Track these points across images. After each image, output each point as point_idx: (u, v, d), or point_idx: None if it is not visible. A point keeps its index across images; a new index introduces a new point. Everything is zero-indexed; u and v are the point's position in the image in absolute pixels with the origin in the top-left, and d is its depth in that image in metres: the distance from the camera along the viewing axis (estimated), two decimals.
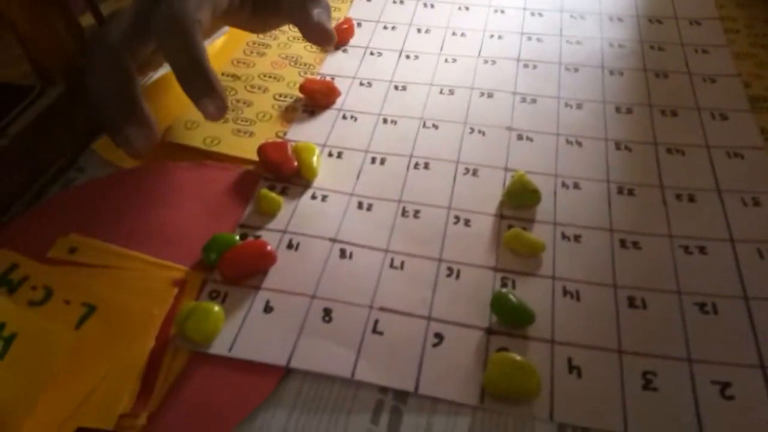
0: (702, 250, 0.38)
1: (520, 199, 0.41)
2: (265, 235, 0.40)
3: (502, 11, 0.59)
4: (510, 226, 0.39)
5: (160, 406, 0.32)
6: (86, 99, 0.41)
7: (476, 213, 0.40)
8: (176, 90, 0.40)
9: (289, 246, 0.39)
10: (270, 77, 0.52)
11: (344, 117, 0.48)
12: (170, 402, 0.32)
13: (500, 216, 0.40)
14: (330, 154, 0.45)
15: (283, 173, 0.43)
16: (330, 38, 0.47)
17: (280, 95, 0.50)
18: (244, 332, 0.35)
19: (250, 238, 0.39)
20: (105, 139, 0.46)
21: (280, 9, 0.47)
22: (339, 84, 0.50)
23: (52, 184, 0.44)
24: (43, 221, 0.41)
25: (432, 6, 0.60)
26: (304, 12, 0.46)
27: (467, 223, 0.40)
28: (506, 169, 0.43)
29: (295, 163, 0.43)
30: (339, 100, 0.50)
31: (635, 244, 0.38)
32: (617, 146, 0.45)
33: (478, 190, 0.42)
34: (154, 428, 0.31)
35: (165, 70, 0.52)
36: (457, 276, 0.37)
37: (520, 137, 0.46)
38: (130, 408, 0.31)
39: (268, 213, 0.41)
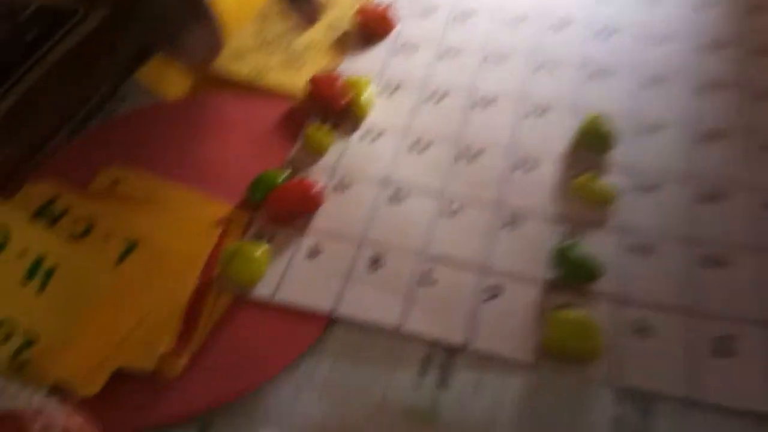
0: None
1: (591, 144, 0.38)
2: (314, 175, 0.38)
3: None
4: (579, 173, 0.37)
5: (201, 349, 0.32)
6: (131, 24, 0.40)
7: (542, 157, 0.38)
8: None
9: (338, 187, 0.38)
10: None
11: (400, 49, 0.46)
12: (212, 344, 0.32)
13: (568, 161, 0.38)
14: (384, 90, 0.43)
15: (334, 109, 0.41)
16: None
17: (333, 24, 0.48)
18: (289, 276, 0.34)
19: (298, 177, 0.38)
20: (148, 68, 0.45)
21: None
22: (396, 11, 0.48)
23: (94, 115, 0.44)
24: (85, 152, 0.41)
25: None
26: None
27: (531, 167, 0.38)
28: (577, 110, 0.41)
29: (347, 99, 0.41)
30: (395, 30, 0.47)
31: (716, 197, 0.36)
32: (701, 87, 0.41)
33: (545, 132, 0.40)
34: (195, 370, 0.31)
35: None
36: (518, 225, 0.35)
37: (594, 75, 0.43)
38: (171, 349, 0.31)
39: (317, 151, 0.39)
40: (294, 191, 0.36)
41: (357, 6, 0.48)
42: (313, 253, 0.35)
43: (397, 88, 0.43)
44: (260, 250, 0.34)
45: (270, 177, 0.37)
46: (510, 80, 0.43)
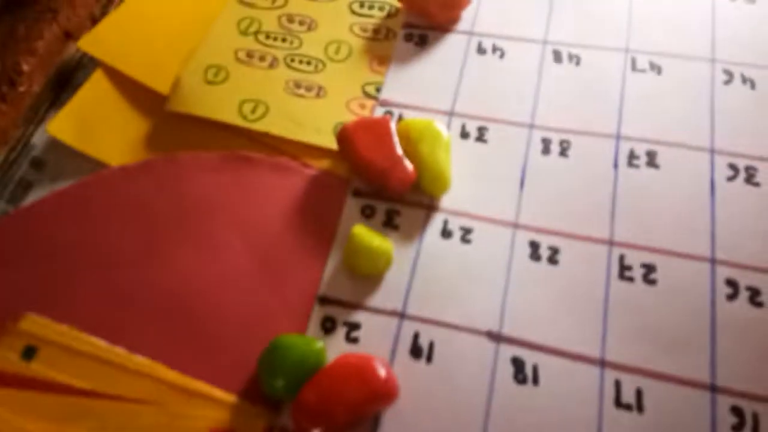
0: None
1: None
2: (369, 327, 0.23)
3: None
4: None
5: None
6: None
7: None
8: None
9: (415, 352, 0.22)
10: None
11: (480, 48, 0.29)
12: None
13: None
14: (465, 134, 0.27)
15: (392, 186, 0.25)
16: None
17: (363, 5, 0.31)
18: None
19: (343, 350, 0.23)
20: (68, 112, 0.29)
21: None
22: None
23: None
24: None
25: None
26: None
27: None
28: None
29: (411, 168, 0.25)
30: (468, 14, 0.30)
31: None
32: None
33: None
34: None
35: None
36: None
37: None
38: None
39: (370, 270, 0.24)
40: (342, 377, 0.21)
41: None
42: None
43: (484, 127, 0.27)
44: None
45: (292, 347, 0.22)
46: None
